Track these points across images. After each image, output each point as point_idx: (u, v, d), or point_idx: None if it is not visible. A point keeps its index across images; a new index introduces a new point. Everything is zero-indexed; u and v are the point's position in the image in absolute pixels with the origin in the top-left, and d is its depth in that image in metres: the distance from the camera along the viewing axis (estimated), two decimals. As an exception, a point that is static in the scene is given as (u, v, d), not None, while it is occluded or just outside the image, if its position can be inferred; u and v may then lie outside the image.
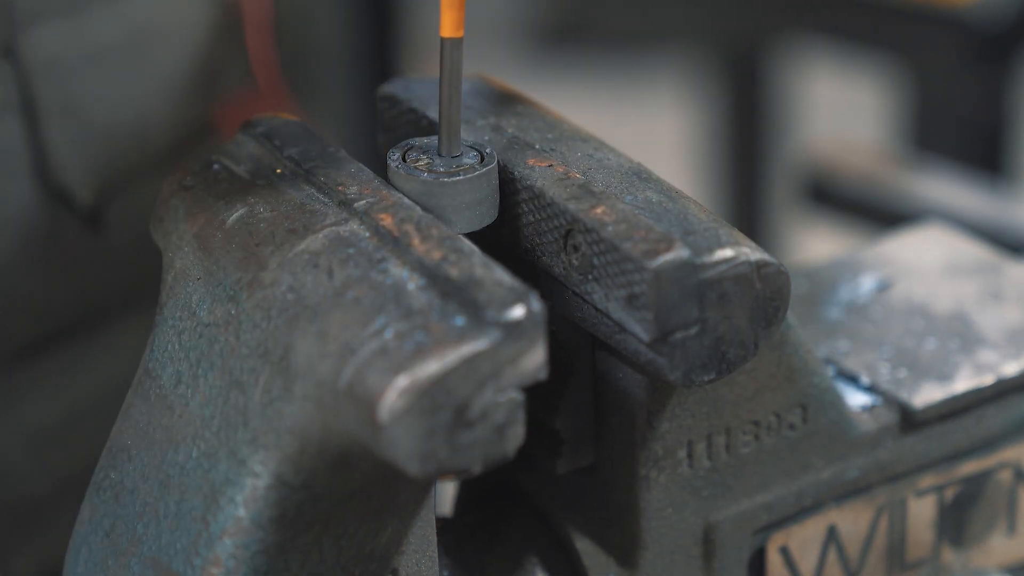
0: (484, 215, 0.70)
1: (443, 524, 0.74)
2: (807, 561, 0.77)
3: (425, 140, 0.71)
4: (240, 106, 0.96)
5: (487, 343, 0.61)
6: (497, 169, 0.70)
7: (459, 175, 0.69)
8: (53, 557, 0.91)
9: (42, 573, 0.92)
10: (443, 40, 0.69)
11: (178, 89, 0.92)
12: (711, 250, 0.66)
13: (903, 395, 0.77)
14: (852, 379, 0.79)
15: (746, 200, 2.10)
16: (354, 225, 0.67)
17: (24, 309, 0.90)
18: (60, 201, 0.88)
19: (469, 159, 0.70)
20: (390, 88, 0.77)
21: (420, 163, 0.70)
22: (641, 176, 0.70)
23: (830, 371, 0.78)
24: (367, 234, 0.67)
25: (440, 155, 0.70)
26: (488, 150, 0.71)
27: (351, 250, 0.66)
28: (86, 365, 0.93)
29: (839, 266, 0.86)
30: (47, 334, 0.91)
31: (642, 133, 2.81)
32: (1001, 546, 0.81)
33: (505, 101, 0.75)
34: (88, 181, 0.89)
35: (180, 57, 0.92)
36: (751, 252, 0.67)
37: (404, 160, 0.70)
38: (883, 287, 0.84)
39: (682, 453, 0.72)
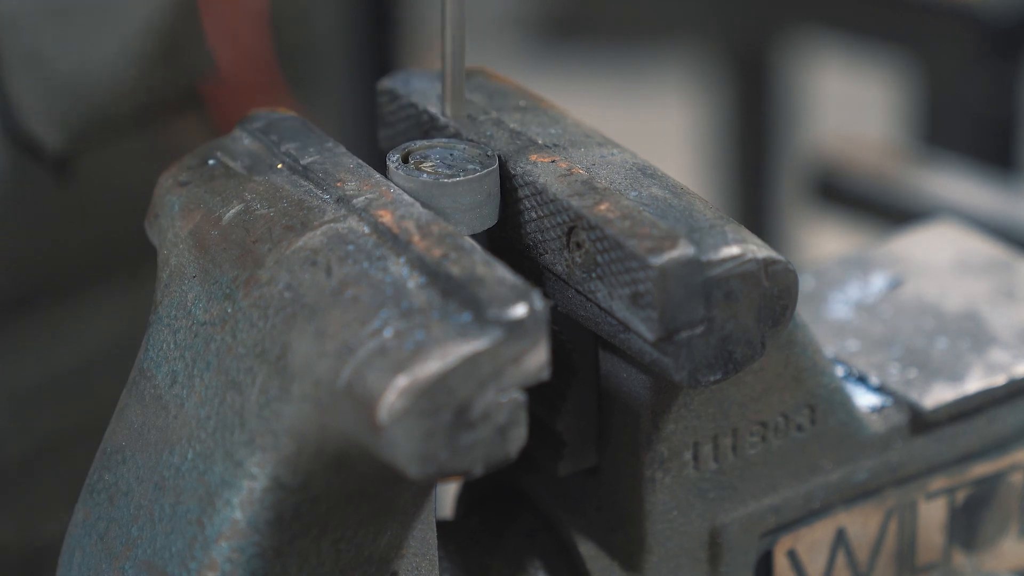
0: (485, 217, 0.70)
1: (443, 527, 0.74)
2: (815, 565, 0.76)
3: (425, 142, 0.71)
4: (229, 85, 0.97)
5: (488, 342, 0.61)
6: (498, 171, 0.70)
7: (459, 176, 0.69)
8: (34, 520, 0.92)
9: (21, 537, 0.92)
10: None
11: (142, 53, 0.92)
12: (717, 247, 0.66)
13: (913, 395, 0.77)
14: (861, 379, 0.78)
15: (753, 197, 2.10)
16: (353, 222, 0.67)
17: None
18: (27, 150, 0.89)
19: (470, 160, 0.70)
20: (390, 82, 0.76)
21: (420, 165, 0.70)
22: (646, 172, 0.70)
23: (839, 371, 0.77)
24: (366, 231, 0.66)
25: (443, 115, 0.69)
26: (489, 151, 0.70)
27: (350, 247, 0.66)
28: (66, 327, 0.94)
29: (848, 264, 0.86)
30: (23, 293, 0.92)
31: (647, 128, 2.80)
32: (1013, 549, 0.81)
33: (507, 95, 0.75)
34: (55, 130, 0.89)
35: (140, 22, 0.92)
36: (758, 249, 0.66)
37: (404, 162, 0.70)
38: (893, 285, 0.84)
39: (688, 455, 0.72)
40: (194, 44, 0.96)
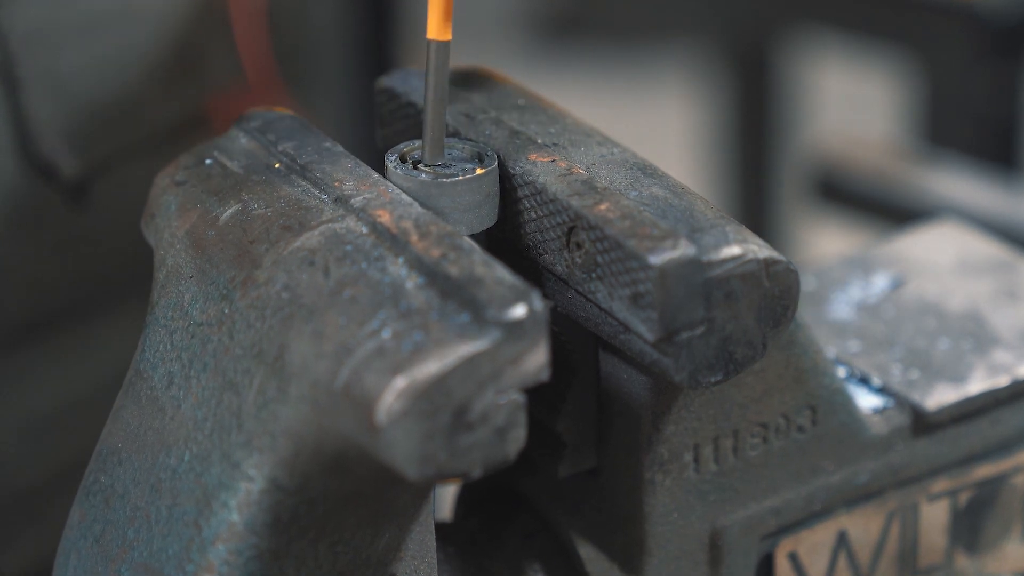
0: (484, 217, 0.69)
1: (442, 529, 0.73)
2: (816, 567, 0.76)
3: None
4: (233, 100, 0.96)
5: (487, 343, 0.60)
6: (497, 171, 0.69)
7: (458, 175, 0.68)
8: (48, 549, 0.91)
9: (36, 564, 0.92)
10: (429, 42, 0.68)
11: (164, 72, 0.91)
12: (718, 247, 0.65)
13: (915, 397, 0.76)
14: (863, 380, 0.78)
15: (754, 196, 2.09)
16: (351, 222, 0.66)
17: (13, 288, 0.90)
18: (44, 174, 0.88)
19: (468, 160, 0.69)
20: (388, 81, 0.76)
21: (419, 164, 0.69)
22: (646, 171, 0.69)
23: (840, 372, 0.77)
24: (364, 231, 0.66)
25: (424, 163, 0.69)
26: (488, 151, 0.70)
27: (348, 247, 0.65)
28: (81, 351, 0.93)
29: (849, 264, 0.85)
30: (39, 316, 0.91)
31: (647, 127, 2.80)
32: (1016, 552, 0.80)
33: (507, 94, 0.74)
34: (72, 154, 0.89)
35: (164, 39, 0.92)
36: (759, 249, 0.66)
37: (403, 161, 0.69)
38: (895, 286, 0.84)
39: (688, 456, 0.71)
40: (221, 58, 0.95)
